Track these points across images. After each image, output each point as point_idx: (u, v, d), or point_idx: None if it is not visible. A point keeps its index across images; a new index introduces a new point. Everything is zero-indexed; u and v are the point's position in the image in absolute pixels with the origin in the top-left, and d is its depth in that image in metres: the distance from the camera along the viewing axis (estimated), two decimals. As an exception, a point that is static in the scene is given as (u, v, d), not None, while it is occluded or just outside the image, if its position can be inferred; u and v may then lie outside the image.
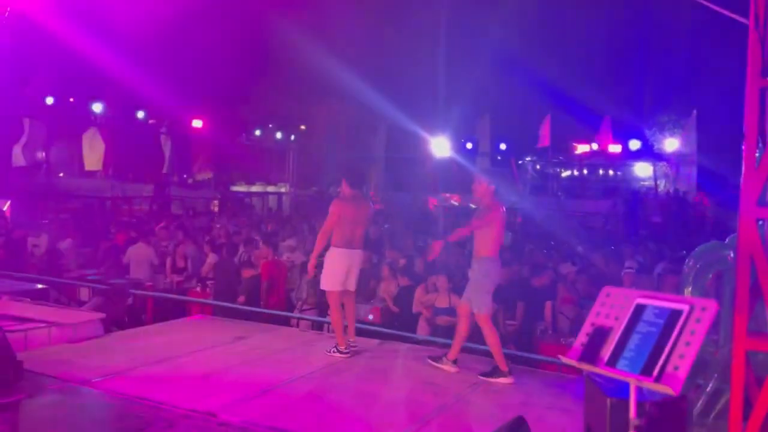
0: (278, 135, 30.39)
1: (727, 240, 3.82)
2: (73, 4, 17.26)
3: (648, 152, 26.83)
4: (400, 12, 23.92)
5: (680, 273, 8.23)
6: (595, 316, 2.80)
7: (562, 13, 26.49)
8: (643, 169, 29.35)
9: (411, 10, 23.77)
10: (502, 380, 5.50)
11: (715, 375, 3.56)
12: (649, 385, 2.44)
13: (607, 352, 2.62)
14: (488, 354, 6.50)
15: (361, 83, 21.76)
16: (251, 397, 4.90)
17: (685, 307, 2.52)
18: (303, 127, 32.13)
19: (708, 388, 3.55)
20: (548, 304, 7.71)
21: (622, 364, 2.54)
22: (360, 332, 7.42)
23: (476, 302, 5.58)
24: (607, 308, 2.79)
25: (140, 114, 24.84)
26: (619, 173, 32.97)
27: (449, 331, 7.52)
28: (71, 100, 24.01)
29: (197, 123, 24.50)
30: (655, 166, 27.12)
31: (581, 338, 2.76)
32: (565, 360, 2.80)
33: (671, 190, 24.13)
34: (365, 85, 21.89)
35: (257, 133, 29.85)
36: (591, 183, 32.80)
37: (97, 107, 22.74)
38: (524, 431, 3.18)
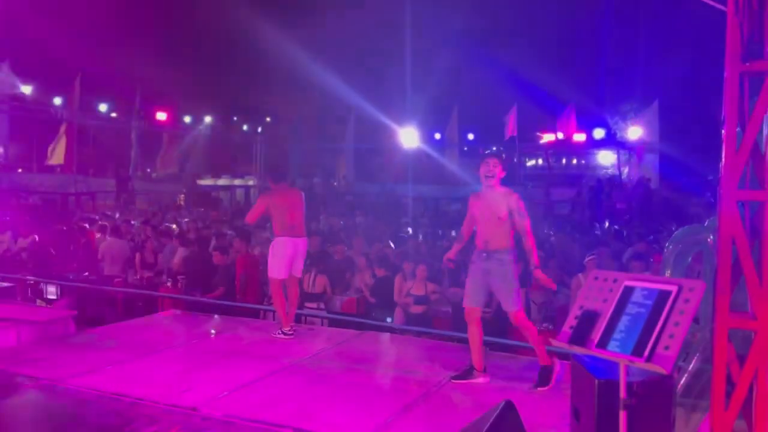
0: (244, 127, 30.05)
1: (706, 223, 3.91)
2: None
3: (612, 140, 27.31)
4: (366, 2, 23.82)
5: (646, 259, 8.43)
6: (584, 300, 2.84)
7: (526, 3, 26.74)
8: (606, 157, 29.90)
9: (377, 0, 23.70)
10: (480, 379, 5.17)
11: (697, 355, 3.65)
12: (640, 365, 2.48)
13: (597, 335, 2.66)
14: (463, 342, 6.60)
15: (328, 74, 21.64)
16: (232, 391, 4.85)
17: (674, 288, 2.57)
18: (268, 119, 31.82)
19: (690, 368, 3.64)
20: (521, 291, 7.78)
21: (612, 345, 2.59)
22: (338, 323, 7.44)
23: (510, 300, 5.00)
24: (595, 291, 2.83)
25: (103, 107, 24.30)
26: (583, 161, 33.55)
27: (422, 319, 7.57)
28: (32, 89, 23.32)
29: (161, 116, 24.05)
30: (618, 153, 27.63)
31: (570, 321, 2.80)
32: (555, 343, 2.83)
33: (634, 178, 24.63)
34: (332, 76, 21.78)
35: (220, 125, 29.45)
36: (556, 171, 33.26)
37: (59, 101, 22.15)
38: (513, 414, 3.21)
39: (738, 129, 2.96)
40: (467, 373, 5.15)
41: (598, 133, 26.42)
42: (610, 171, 29.05)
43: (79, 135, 23.07)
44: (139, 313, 8.51)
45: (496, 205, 4.98)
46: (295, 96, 25.92)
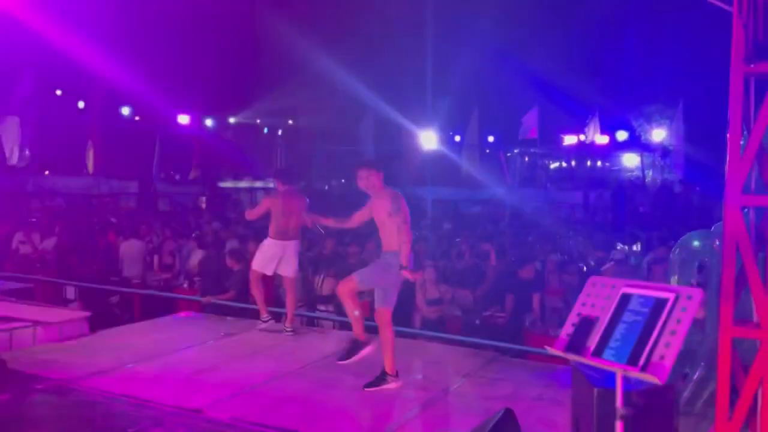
0: (265, 130, 30.26)
1: (712, 228, 3.82)
2: (57, 2, 17.11)
3: (635, 143, 26.94)
4: (387, 4, 23.81)
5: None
6: (581, 306, 2.79)
7: (549, 4, 26.50)
8: (630, 160, 29.50)
9: (399, 1, 23.68)
10: (393, 385, 5.04)
11: (702, 363, 3.56)
12: (635, 374, 2.43)
13: (593, 342, 2.61)
14: (477, 347, 6.54)
15: (349, 76, 21.67)
16: (239, 394, 4.87)
17: (671, 296, 2.51)
18: (290, 121, 31.97)
19: (695, 377, 3.56)
20: (536, 296, 7.72)
21: (608, 353, 2.53)
22: (350, 326, 7.42)
23: (382, 297, 5.09)
24: (593, 298, 2.78)
25: (125, 111, 24.65)
26: (607, 164, 33.11)
27: (437, 322, 7.53)
28: (58, 93, 23.80)
29: (183, 119, 24.32)
30: (642, 156, 27.26)
31: (567, 328, 2.75)
32: (551, 351, 2.78)
33: (659, 181, 24.26)
34: (353, 78, 21.80)
35: (241, 122, 29.69)
36: (579, 174, 32.91)
37: (83, 105, 22.55)
38: (512, 423, 3.17)
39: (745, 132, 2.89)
40: (379, 379, 5.00)
41: (621, 135, 26.08)
42: (635, 174, 28.67)
43: (104, 139, 23.45)
44: (157, 315, 8.57)
45: (380, 209, 5.04)
46: (316, 98, 26.02)
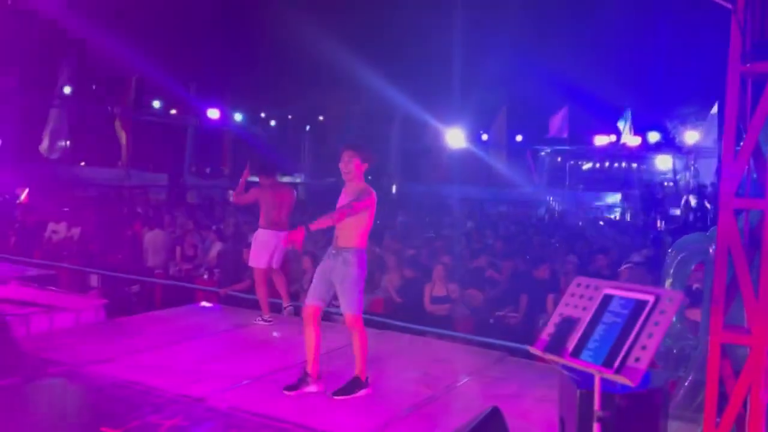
0: (294, 126, 30.49)
1: (708, 232, 3.73)
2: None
3: (668, 144, 26.36)
4: (417, 2, 23.75)
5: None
6: (564, 306, 2.76)
7: (581, 3, 26.09)
8: (663, 162, 28.88)
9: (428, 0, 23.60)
10: (364, 392, 4.80)
11: (696, 368, 3.49)
12: (609, 376, 2.40)
13: (572, 343, 2.58)
14: (486, 346, 6.51)
15: (377, 73, 21.69)
16: (243, 384, 4.94)
17: (651, 298, 2.47)
18: (321, 117, 32.13)
19: (686, 381, 3.49)
20: (550, 297, 7.64)
21: (585, 354, 2.50)
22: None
23: (347, 302, 4.76)
24: (576, 298, 2.75)
25: (157, 104, 25.08)
26: (643, 166, 32.47)
27: (444, 320, 7.50)
28: (94, 87, 24.33)
29: (213, 113, 24.64)
30: (675, 158, 26.68)
31: (549, 328, 2.73)
32: (532, 350, 2.76)
33: (692, 183, 23.71)
34: (381, 75, 21.81)
35: (272, 123, 29.96)
36: (611, 175, 32.38)
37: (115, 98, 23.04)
38: (498, 421, 3.15)
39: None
40: (300, 381, 4.77)
41: (653, 137, 25.56)
42: (668, 176, 28.09)
43: (136, 131, 23.92)
44: (177, 304, 8.72)
45: (346, 200, 4.73)
46: (344, 95, 26.12)
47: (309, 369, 4.81)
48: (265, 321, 6.76)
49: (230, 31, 22.38)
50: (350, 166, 4.79)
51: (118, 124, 22.79)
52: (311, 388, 4.76)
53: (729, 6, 2.86)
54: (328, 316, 8.05)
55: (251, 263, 6.79)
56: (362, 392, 4.76)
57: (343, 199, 4.83)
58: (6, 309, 5.83)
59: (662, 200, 20.91)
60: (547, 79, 24.17)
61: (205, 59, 23.53)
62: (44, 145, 22.21)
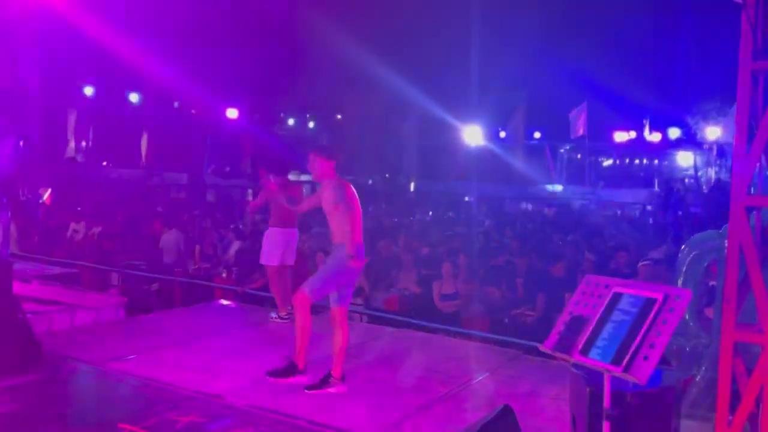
0: (311, 124, 30.58)
1: (722, 229, 3.70)
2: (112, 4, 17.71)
3: (689, 141, 26.02)
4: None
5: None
6: (575, 305, 2.76)
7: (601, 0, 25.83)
8: (684, 158, 28.54)
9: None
10: (336, 389, 4.82)
11: (709, 366, 3.47)
12: (617, 374, 2.40)
13: (581, 341, 2.58)
14: (501, 344, 6.51)
15: (395, 71, 21.69)
16: (259, 381, 4.98)
17: (659, 296, 2.46)
18: (339, 116, 32.20)
19: (698, 378, 3.47)
20: (568, 295, 7.60)
21: (594, 353, 2.51)
22: (377, 320, 7.50)
23: (343, 298, 4.93)
24: (586, 297, 2.75)
25: (177, 105, 25.33)
26: (664, 162, 32.10)
27: (454, 317, 7.51)
28: (114, 88, 24.64)
29: (232, 113, 24.82)
30: (696, 154, 26.35)
31: (559, 327, 2.73)
32: (542, 348, 2.77)
33: (713, 180, 23.41)
34: (399, 73, 21.81)
35: (291, 122, 30.09)
36: (631, 172, 32.07)
37: (134, 98, 23.31)
38: (510, 419, 3.16)
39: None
40: (323, 381, 4.79)
41: (674, 133, 25.24)
42: (689, 173, 27.76)
43: (158, 131, 24.22)
44: (195, 303, 8.82)
45: (325, 199, 4.87)
46: (362, 94, 26.12)
47: (334, 372, 4.81)
48: (282, 318, 6.75)
49: (249, 31, 22.51)
50: (315, 165, 4.99)
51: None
52: (333, 390, 4.78)
53: (739, 1, 2.84)
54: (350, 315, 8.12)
55: (263, 261, 6.82)
56: (333, 389, 4.77)
57: (324, 200, 4.91)
58: (29, 307, 5.93)
59: (682, 197, 20.65)
60: (566, 74, 23.99)
61: (224, 59, 23.67)
62: (71, 146, 22.65)
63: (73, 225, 12.78)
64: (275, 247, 6.69)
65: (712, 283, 4.66)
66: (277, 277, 6.79)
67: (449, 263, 7.78)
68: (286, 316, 6.78)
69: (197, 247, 11.24)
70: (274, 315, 6.85)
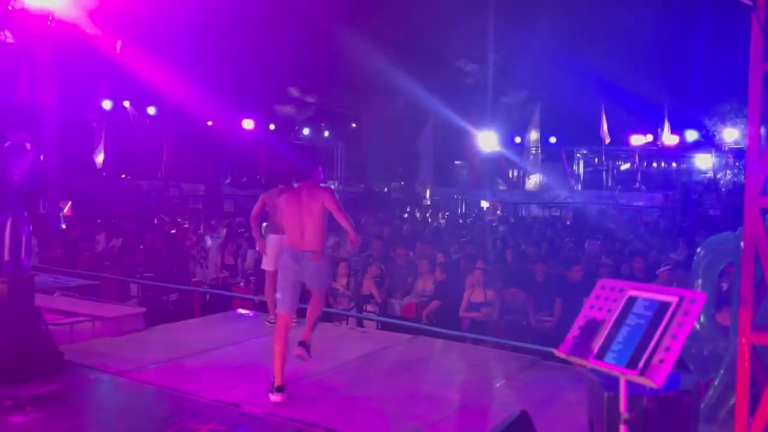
0: (326, 133, 30.69)
1: (737, 231, 3.67)
2: (120, 13, 17.92)
3: (708, 143, 25.73)
4: (448, 4, 23.71)
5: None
6: (589, 309, 2.76)
7: (615, 2, 25.69)
8: (703, 161, 28.23)
9: (459, 2, 23.52)
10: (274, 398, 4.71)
11: (727, 370, 3.44)
12: (633, 378, 2.39)
13: (596, 345, 2.58)
14: (520, 350, 6.48)
15: (410, 79, 21.74)
16: (275, 390, 5.01)
17: (674, 299, 2.46)
18: (354, 125, 32.30)
19: (716, 382, 3.44)
20: (585, 300, 7.57)
21: (609, 357, 2.51)
22: (394, 327, 7.52)
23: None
24: (601, 301, 2.75)
25: (195, 117, 25.58)
26: (683, 165, 31.76)
27: (482, 326, 7.51)
28: (131, 101, 24.95)
29: (248, 124, 25.02)
30: (714, 157, 26.06)
31: (574, 331, 2.73)
32: (557, 353, 2.77)
33: (732, 183, 23.13)
34: (414, 81, 21.85)
35: (306, 131, 30.23)
36: (649, 176, 31.76)
37: (152, 110, 23.60)
38: (526, 425, 3.16)
39: (763, 130, 2.79)
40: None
41: (691, 135, 24.97)
42: (708, 175, 27.45)
43: (175, 143, 24.44)
44: (214, 312, 8.90)
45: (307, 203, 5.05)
46: (377, 102, 26.20)
47: (277, 380, 4.74)
48: (270, 323, 6.71)
49: (263, 41, 22.66)
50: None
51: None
52: (271, 399, 4.70)
53: (749, 3, 2.84)
54: (360, 322, 8.15)
55: (264, 266, 6.90)
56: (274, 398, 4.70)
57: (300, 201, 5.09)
58: (50, 318, 6.02)
59: (700, 200, 20.44)
60: (582, 78, 23.87)
61: (240, 70, 23.86)
62: (99, 159, 23.08)
63: (97, 237, 12.96)
64: (272, 253, 6.70)
65: (724, 285, 4.62)
66: (273, 281, 6.72)
67: (479, 271, 7.75)
68: (273, 320, 6.77)
69: (218, 257, 11.32)
70: (272, 321, 6.84)
